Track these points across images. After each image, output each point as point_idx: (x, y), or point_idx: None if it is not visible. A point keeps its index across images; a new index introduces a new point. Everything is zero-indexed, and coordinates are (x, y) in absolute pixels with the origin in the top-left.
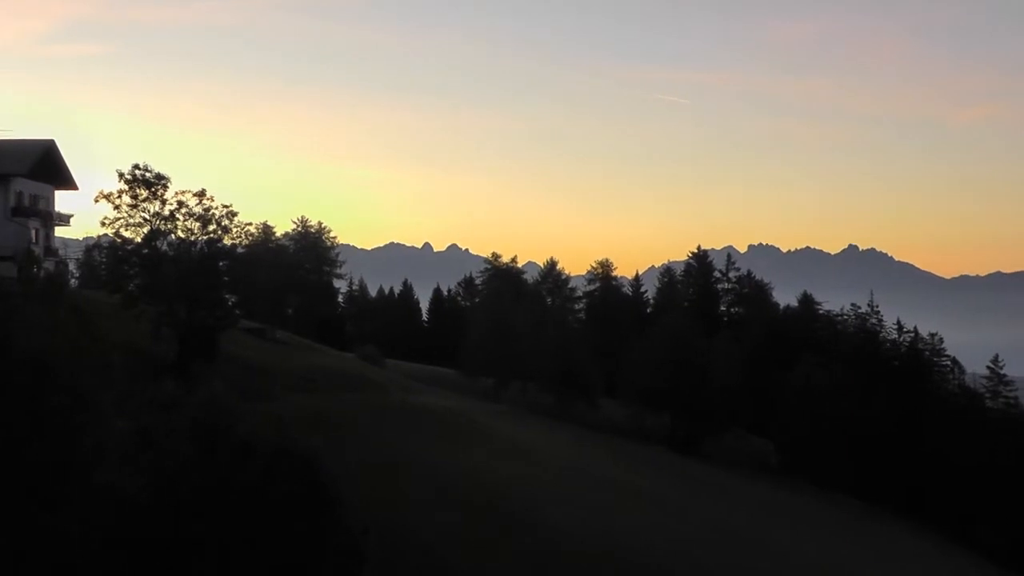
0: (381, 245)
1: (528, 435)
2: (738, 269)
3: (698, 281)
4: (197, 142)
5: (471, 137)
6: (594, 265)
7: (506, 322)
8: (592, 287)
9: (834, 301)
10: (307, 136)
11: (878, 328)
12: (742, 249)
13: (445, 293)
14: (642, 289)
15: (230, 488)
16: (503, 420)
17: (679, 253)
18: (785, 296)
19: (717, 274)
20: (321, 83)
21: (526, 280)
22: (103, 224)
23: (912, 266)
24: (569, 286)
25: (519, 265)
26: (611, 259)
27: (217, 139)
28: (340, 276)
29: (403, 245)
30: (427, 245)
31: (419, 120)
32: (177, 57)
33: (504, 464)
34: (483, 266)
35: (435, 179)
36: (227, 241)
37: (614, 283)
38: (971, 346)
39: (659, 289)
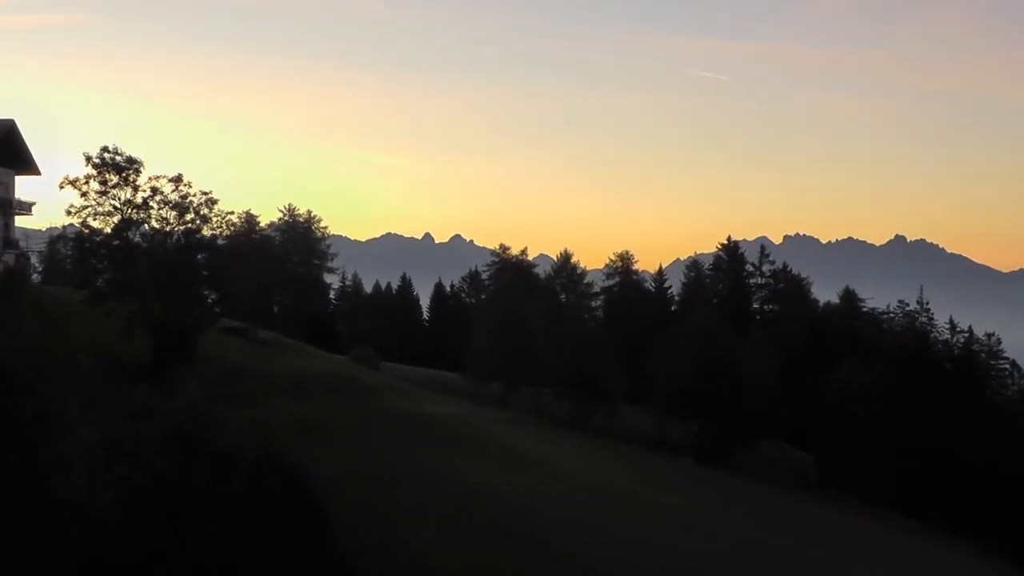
0: (377, 236)
1: (537, 444)
2: (772, 262)
3: (728, 275)
4: (173, 123)
5: (477, 117)
6: (613, 258)
7: (516, 321)
8: (611, 282)
9: (879, 297)
10: (296, 117)
11: (928, 327)
12: (777, 240)
13: (448, 289)
14: (666, 284)
15: (210, 503)
16: (510, 429)
17: (707, 244)
18: (825, 292)
19: (749, 268)
20: (311, 58)
21: (538, 275)
22: (69, 213)
23: (965, 258)
24: (585, 281)
25: (530, 258)
26: (631, 251)
27: (196, 120)
28: (332, 270)
29: (401, 236)
30: (428, 236)
31: (420, 98)
32: (152, 29)
33: (508, 476)
34: (489, 259)
35: (437, 163)
36: (206, 232)
37: (635, 278)
38: None
39: (685, 284)
